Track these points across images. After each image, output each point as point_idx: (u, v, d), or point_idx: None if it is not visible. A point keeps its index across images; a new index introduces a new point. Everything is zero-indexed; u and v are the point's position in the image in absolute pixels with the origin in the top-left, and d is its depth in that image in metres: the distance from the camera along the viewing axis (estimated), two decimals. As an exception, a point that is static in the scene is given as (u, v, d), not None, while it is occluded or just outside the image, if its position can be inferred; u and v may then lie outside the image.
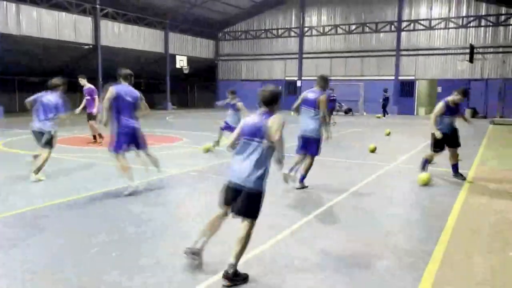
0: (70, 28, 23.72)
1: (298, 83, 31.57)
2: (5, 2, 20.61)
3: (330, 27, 30.99)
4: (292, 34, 32.46)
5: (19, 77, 25.55)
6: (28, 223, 4.90)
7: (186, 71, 30.33)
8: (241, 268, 3.52)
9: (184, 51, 31.67)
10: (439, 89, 27.44)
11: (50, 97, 7.17)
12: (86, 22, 24.60)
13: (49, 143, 7.13)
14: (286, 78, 32.69)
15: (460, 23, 27.28)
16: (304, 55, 31.86)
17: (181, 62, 30.04)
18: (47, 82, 7.40)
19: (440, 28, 27.83)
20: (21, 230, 4.62)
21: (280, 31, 32.93)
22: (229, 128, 10.09)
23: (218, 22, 34.15)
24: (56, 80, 7.34)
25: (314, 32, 31.67)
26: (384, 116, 25.62)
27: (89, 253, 3.98)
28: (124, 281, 3.43)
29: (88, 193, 6.34)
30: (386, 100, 26.02)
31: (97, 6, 24.74)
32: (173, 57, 30.02)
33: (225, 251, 4.20)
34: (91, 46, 24.93)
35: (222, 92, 35.19)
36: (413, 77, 28.80)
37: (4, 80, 19.45)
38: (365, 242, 4.44)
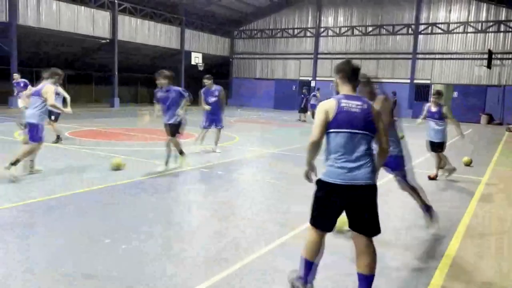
0: (88, 22, 23.98)
1: (312, 83, 31.46)
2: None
3: (346, 28, 30.82)
4: (308, 34, 32.37)
5: (37, 69, 25.94)
6: (26, 220, 4.89)
7: (201, 68, 30.45)
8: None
9: (199, 48, 31.80)
10: (455, 94, 27.13)
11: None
12: (104, 16, 24.86)
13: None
14: (300, 78, 32.61)
15: (479, 28, 26.90)
16: (319, 56, 31.76)
17: (196, 59, 30.17)
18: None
19: (459, 32, 27.47)
20: (20, 228, 4.58)
21: (295, 31, 32.85)
22: None
23: (234, 20, 34.21)
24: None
25: (330, 32, 31.53)
26: None
27: (90, 252, 3.97)
28: (127, 280, 3.42)
29: (90, 187, 6.42)
30: (394, 103, 25.82)
31: (115, 1, 25.00)
32: (188, 53, 30.16)
33: (225, 247, 4.23)
34: (108, 40, 25.19)
35: (236, 90, 35.28)
36: (428, 81, 28.50)
37: (23, 72, 19.85)
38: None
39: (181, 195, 6.42)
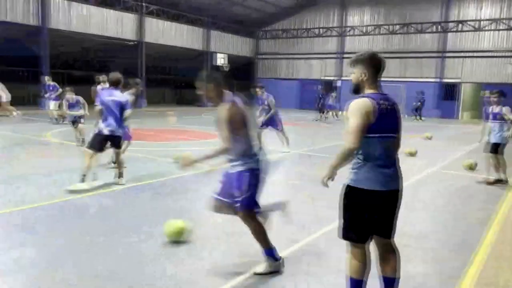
0: (116, 24, 24.49)
1: (338, 83, 31.17)
2: (56, -1, 21.63)
3: (372, 27, 30.38)
4: (333, 33, 32.07)
5: (67, 71, 26.69)
6: (31, 223, 4.81)
7: (226, 69, 30.63)
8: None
9: (224, 48, 31.98)
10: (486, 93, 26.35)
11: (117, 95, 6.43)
12: (131, 19, 25.33)
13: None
14: (325, 78, 32.34)
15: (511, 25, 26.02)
16: (344, 55, 31.42)
17: (221, 59, 30.35)
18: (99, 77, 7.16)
19: (489, 30, 26.65)
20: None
21: (320, 31, 32.61)
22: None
23: (258, 20, 34.23)
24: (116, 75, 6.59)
25: (355, 31, 31.15)
26: (419, 119, 25.02)
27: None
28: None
29: (97, 191, 6.46)
30: (423, 103, 25.48)
31: (142, 3, 25.44)
32: (212, 54, 30.39)
33: (230, 250, 4.23)
34: (135, 43, 25.65)
35: (260, 90, 35.28)
36: (457, 80, 27.77)
37: (54, 74, 20.51)
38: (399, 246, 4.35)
39: (195, 195, 6.34)
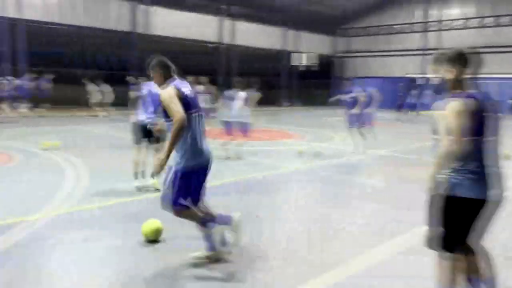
0: (198, 27, 25.53)
1: (421, 81, 29.56)
2: (142, 6, 23.08)
3: (461, 21, 28.37)
4: (416, 29, 30.48)
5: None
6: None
7: (303, 68, 30.48)
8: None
9: (301, 47, 31.86)
10: None
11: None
12: (212, 21, 26.24)
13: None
14: (406, 75, 30.86)
15: None
16: (429, 51, 29.73)
17: (300, 59, 30.25)
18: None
19: None
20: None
21: (402, 27, 31.15)
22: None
23: (336, 18, 33.61)
24: None
25: (441, 26, 29.32)
26: None
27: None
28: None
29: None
30: None
31: (223, 6, 26.24)
32: (290, 53, 30.44)
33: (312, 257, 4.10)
34: (216, 45, 26.51)
35: (338, 89, 34.60)
36: None
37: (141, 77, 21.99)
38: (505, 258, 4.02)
39: (278, 195, 6.42)
